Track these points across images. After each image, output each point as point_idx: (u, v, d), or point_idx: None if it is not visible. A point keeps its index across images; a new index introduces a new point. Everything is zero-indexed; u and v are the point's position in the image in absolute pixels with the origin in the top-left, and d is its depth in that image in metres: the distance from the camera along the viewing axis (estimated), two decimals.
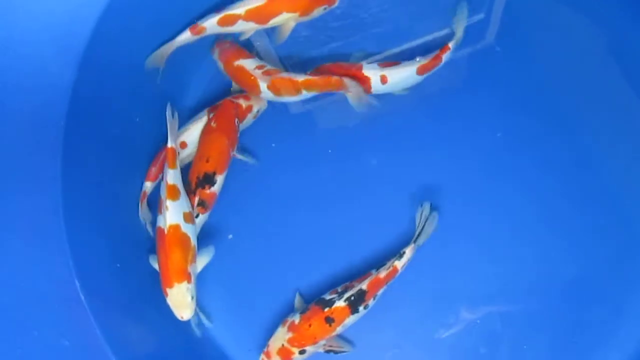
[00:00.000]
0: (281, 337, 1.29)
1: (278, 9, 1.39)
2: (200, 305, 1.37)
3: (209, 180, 1.35)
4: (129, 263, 1.37)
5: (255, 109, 1.44)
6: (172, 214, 1.27)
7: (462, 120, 1.46)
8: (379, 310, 1.36)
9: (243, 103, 1.42)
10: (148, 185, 1.41)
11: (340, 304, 1.28)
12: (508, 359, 1.38)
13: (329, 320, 1.28)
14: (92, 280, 1.28)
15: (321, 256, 1.41)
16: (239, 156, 1.41)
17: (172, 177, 1.30)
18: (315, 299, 1.32)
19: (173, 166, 1.31)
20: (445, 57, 1.41)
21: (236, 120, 1.40)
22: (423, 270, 1.38)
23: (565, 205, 1.42)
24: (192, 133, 1.41)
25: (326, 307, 1.28)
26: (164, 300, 1.26)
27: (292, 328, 1.29)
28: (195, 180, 1.35)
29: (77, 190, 1.32)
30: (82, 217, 1.31)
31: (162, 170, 1.38)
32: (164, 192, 1.29)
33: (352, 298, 1.28)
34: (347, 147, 1.47)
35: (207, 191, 1.35)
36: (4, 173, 1.26)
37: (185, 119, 1.45)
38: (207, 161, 1.36)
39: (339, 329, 1.30)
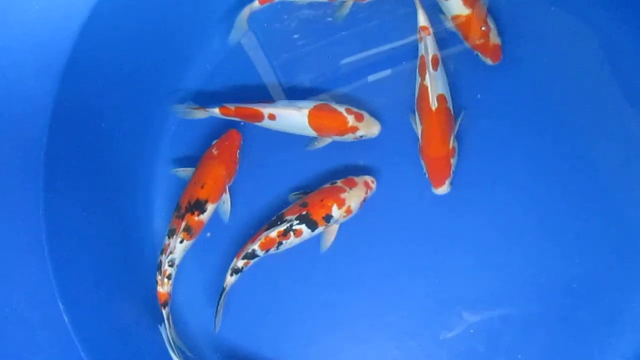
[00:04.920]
0: None
1: None
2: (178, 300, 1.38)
3: (199, 206, 1.33)
4: (115, 284, 1.35)
5: (359, 133, 1.38)
6: None
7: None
8: (380, 310, 1.38)
9: (350, 121, 1.36)
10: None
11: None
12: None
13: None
14: (76, 303, 1.27)
15: (300, 253, 1.39)
16: (226, 194, 1.37)
17: None
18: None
19: None
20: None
21: (238, 152, 1.38)
22: (423, 274, 1.40)
23: (561, 210, 1.41)
24: (286, 113, 1.35)
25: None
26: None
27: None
28: (185, 205, 1.33)
29: (59, 208, 1.30)
30: (64, 237, 1.30)
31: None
32: None
33: None
34: (337, 148, 1.43)
35: (196, 218, 1.32)
36: None
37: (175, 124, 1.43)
38: (202, 187, 1.33)
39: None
